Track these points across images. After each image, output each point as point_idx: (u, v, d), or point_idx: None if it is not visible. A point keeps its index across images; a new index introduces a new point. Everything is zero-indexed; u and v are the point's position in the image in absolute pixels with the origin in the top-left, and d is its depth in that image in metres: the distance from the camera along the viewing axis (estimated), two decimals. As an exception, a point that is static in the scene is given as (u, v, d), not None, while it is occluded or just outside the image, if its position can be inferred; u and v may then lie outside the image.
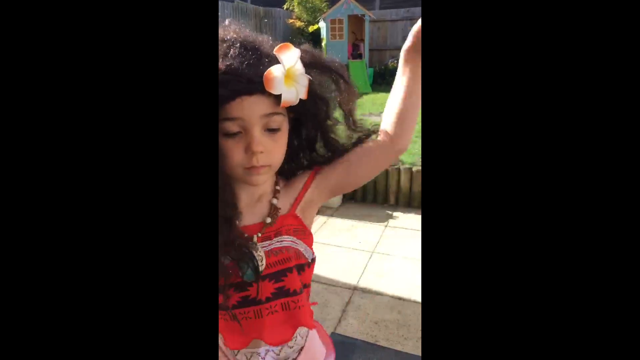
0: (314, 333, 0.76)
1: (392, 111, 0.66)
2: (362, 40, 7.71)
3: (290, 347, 0.71)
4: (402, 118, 0.65)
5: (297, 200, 0.69)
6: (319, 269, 2.22)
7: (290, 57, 0.57)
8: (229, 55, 0.55)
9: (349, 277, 2.15)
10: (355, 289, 2.06)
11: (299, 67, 0.58)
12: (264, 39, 0.61)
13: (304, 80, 0.59)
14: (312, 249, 0.70)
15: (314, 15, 8.57)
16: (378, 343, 1.68)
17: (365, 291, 2.03)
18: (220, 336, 0.72)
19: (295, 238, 0.68)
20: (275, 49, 0.57)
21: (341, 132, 0.71)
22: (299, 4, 8.65)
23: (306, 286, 0.72)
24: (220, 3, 7.81)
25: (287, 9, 9.00)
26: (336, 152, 0.70)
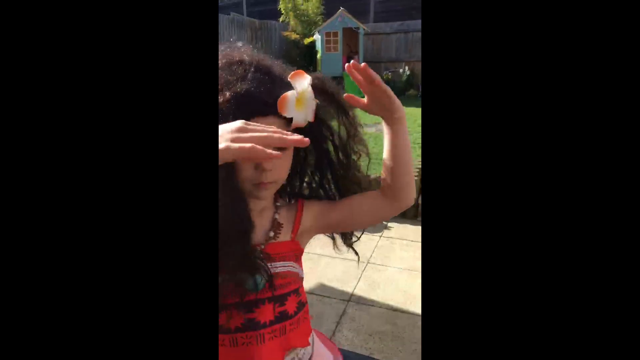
0: (318, 341, 0.78)
1: (386, 170, 0.69)
2: (357, 52, 7.79)
3: None
4: (396, 175, 0.68)
5: (296, 227, 0.72)
6: (313, 280, 2.21)
7: (302, 84, 0.61)
8: (247, 78, 0.59)
9: (343, 288, 2.14)
10: (349, 300, 2.05)
11: (310, 92, 0.63)
12: (274, 62, 0.65)
13: (312, 104, 0.64)
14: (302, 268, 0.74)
15: (309, 28, 8.66)
16: (372, 355, 1.67)
17: (360, 302, 2.02)
18: None
19: (295, 263, 0.71)
20: (289, 76, 0.61)
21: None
22: (294, 16, 8.74)
23: (302, 304, 0.73)
24: (216, 15, 7.85)
25: (282, 21, 9.09)
26: (327, 179, 0.74)
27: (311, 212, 0.74)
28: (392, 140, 0.67)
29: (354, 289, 2.14)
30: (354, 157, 0.74)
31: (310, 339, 0.75)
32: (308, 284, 2.21)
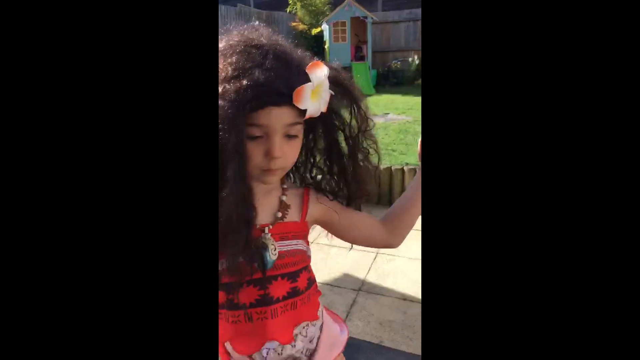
0: (326, 315, 0.82)
1: (395, 214, 0.80)
2: (365, 42, 7.73)
3: (293, 347, 0.74)
4: (400, 223, 0.79)
5: (304, 210, 0.75)
6: (323, 270, 2.23)
7: (319, 76, 0.61)
8: (265, 66, 0.58)
9: (353, 278, 2.16)
10: (359, 289, 2.06)
11: (325, 83, 0.63)
12: (291, 48, 0.64)
13: (326, 95, 0.64)
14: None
15: (316, 18, 8.60)
16: (383, 344, 1.68)
17: (370, 292, 2.04)
18: (227, 344, 0.74)
19: (303, 242, 0.74)
20: (307, 67, 0.60)
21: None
22: (301, 7, 8.68)
23: (312, 281, 0.77)
24: (223, 7, 7.85)
25: (289, 12, 9.03)
26: (335, 170, 0.76)
27: (317, 202, 0.76)
28: (416, 200, 0.77)
29: (364, 278, 2.15)
30: (363, 152, 0.75)
31: (319, 313, 0.79)
32: (319, 273, 2.21)
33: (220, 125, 0.55)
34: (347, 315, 1.86)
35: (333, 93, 0.65)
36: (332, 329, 0.82)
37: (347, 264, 2.29)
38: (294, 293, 0.72)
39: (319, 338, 0.78)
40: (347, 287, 2.08)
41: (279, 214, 0.71)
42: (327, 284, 2.11)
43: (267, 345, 0.71)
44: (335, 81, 0.66)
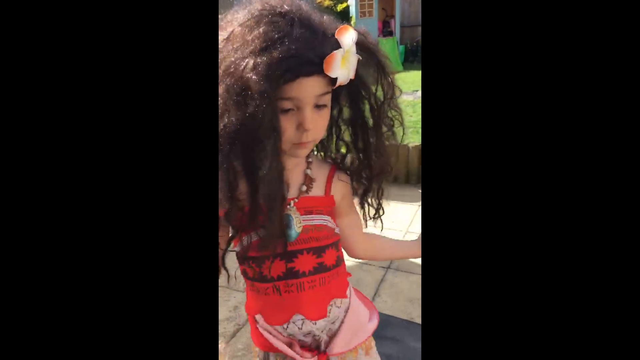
0: (354, 297, 0.81)
1: (380, 244, 0.87)
2: (393, 16, 7.53)
3: (314, 323, 0.74)
4: (376, 253, 0.90)
5: (329, 185, 0.74)
6: (352, 248, 2.25)
7: (349, 40, 0.58)
8: (293, 36, 0.55)
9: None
10: (388, 267, 2.07)
11: (353, 47, 0.60)
12: (312, 11, 0.61)
13: (354, 60, 0.61)
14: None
15: (342, -7, 8.42)
16: (413, 320, 1.70)
17: (399, 269, 2.05)
18: (258, 316, 0.76)
19: (330, 217, 0.74)
20: (336, 32, 0.58)
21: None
22: (327, -18, 8.51)
23: (340, 259, 0.77)
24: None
25: (315, -12, 8.87)
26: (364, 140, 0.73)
27: (338, 180, 0.75)
28: (398, 252, 0.91)
29: (393, 256, 2.16)
30: (387, 124, 0.71)
31: (347, 292, 0.78)
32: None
33: (252, 102, 0.54)
34: (375, 292, 1.88)
35: (360, 58, 0.61)
36: (360, 314, 0.81)
37: (375, 242, 2.30)
38: (321, 269, 0.72)
39: (342, 321, 0.77)
40: (376, 264, 2.10)
41: (304, 188, 0.71)
42: (355, 261, 2.13)
43: (294, 318, 0.72)
44: (362, 46, 0.62)
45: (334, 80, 0.58)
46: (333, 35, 0.58)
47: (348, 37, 0.58)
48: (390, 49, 6.83)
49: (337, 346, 0.75)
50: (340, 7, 8.41)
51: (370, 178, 0.75)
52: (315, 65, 0.56)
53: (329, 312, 0.74)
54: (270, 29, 0.55)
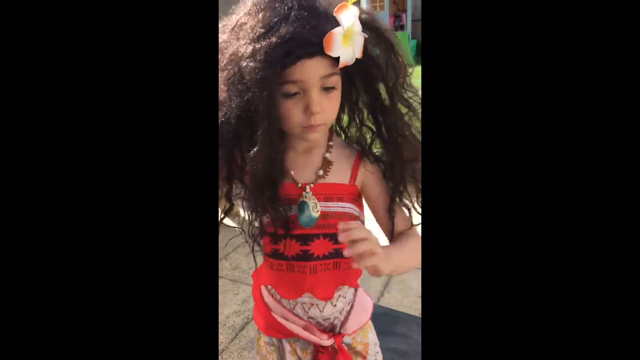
0: (360, 288, 0.82)
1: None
2: (404, 10, 7.46)
3: (334, 306, 0.76)
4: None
5: (354, 173, 0.71)
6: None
7: (349, 17, 0.56)
8: (290, 18, 0.55)
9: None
10: (398, 263, 2.07)
11: (357, 25, 0.58)
12: None
13: (360, 39, 0.59)
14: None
15: (353, -13, 8.37)
16: (422, 316, 1.69)
17: (408, 265, 2.04)
18: (267, 288, 0.79)
19: (354, 206, 0.72)
20: (335, 10, 0.56)
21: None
22: (338, -24, 8.47)
23: None
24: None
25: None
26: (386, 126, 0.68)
27: (365, 169, 0.72)
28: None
29: (403, 252, 2.15)
30: (405, 105, 0.68)
31: (350, 291, 0.79)
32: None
33: (252, 88, 0.54)
34: (385, 287, 1.88)
35: (367, 36, 0.60)
36: (364, 296, 0.83)
37: (384, 235, 2.29)
38: (336, 254, 0.71)
39: (352, 304, 0.79)
40: (385, 260, 2.09)
41: (321, 172, 0.69)
42: (365, 257, 2.13)
43: (313, 300, 0.74)
44: (368, 25, 0.61)
45: (338, 60, 0.57)
46: None
47: (347, 14, 0.56)
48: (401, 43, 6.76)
49: (351, 325, 0.78)
50: (351, 0, 8.37)
51: (402, 166, 0.69)
52: (315, 46, 0.55)
53: (336, 299, 0.75)
54: (269, 14, 0.55)
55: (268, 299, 0.79)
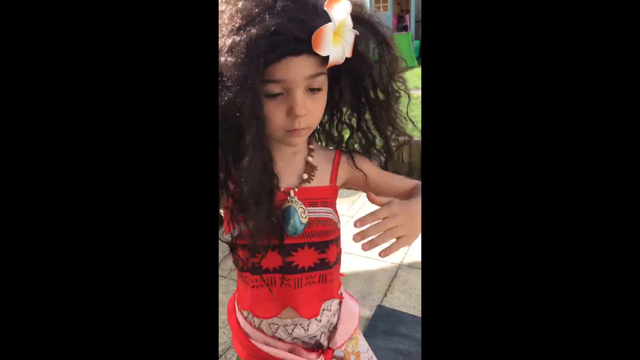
0: (344, 291, 0.78)
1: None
2: (408, 11, 7.45)
3: (319, 322, 0.71)
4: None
5: (334, 174, 0.69)
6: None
7: (341, 12, 0.51)
8: (275, 10, 0.49)
9: (395, 252, 2.16)
10: (401, 264, 2.07)
11: (348, 22, 0.52)
12: None
13: (351, 36, 0.53)
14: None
15: (357, -12, 8.35)
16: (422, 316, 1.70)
17: (412, 266, 2.04)
18: (244, 315, 0.72)
19: (333, 211, 0.68)
20: (325, 4, 0.50)
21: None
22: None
23: (339, 256, 0.72)
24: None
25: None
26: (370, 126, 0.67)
27: (348, 165, 0.70)
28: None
29: (406, 253, 2.16)
30: (394, 97, 0.65)
31: (340, 291, 0.75)
32: (360, 247, 2.24)
33: (232, 86, 0.48)
34: (388, 288, 1.88)
35: (357, 33, 0.54)
36: (349, 303, 0.78)
37: (388, 238, 2.29)
38: (323, 265, 0.66)
39: (339, 315, 0.74)
40: (388, 260, 2.10)
41: (305, 176, 0.65)
42: (369, 257, 2.13)
43: (295, 320, 0.68)
44: (359, 18, 0.55)
45: (327, 59, 0.52)
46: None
47: (339, 9, 0.50)
48: (405, 44, 6.76)
49: (340, 338, 0.73)
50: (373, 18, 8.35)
51: (388, 150, 0.69)
52: (302, 43, 0.49)
53: (320, 314, 0.70)
54: (251, 3, 0.49)
55: (246, 327, 0.72)
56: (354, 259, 2.07)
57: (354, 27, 0.53)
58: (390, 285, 1.90)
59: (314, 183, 0.66)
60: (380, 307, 1.74)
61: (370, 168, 0.71)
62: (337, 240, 0.68)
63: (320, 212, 0.65)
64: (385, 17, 7.27)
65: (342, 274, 0.76)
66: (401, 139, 0.69)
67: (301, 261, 0.64)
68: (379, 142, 0.69)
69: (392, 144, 0.69)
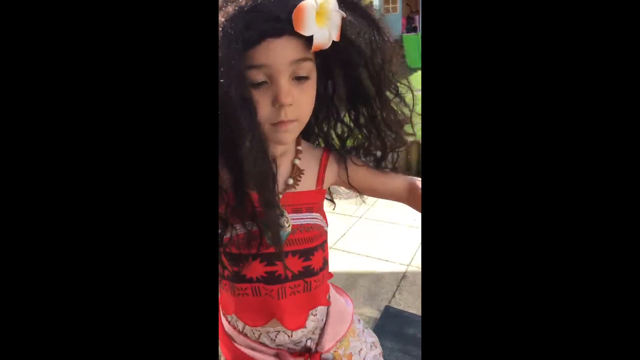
0: (334, 293, 0.74)
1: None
2: (417, 12, 7.43)
3: (305, 327, 0.67)
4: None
5: (321, 177, 0.64)
6: (373, 245, 2.25)
7: None
8: None
9: (403, 253, 2.16)
10: (409, 265, 2.07)
11: (333, 1, 0.48)
12: None
13: (337, 17, 0.49)
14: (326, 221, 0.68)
15: (366, -12, 8.36)
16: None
17: (420, 268, 2.04)
18: (231, 317, 0.69)
19: (320, 215, 0.64)
20: None
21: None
22: (351, -22, 8.46)
23: (326, 261, 0.69)
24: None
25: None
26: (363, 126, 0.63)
27: (337, 167, 0.66)
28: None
29: (414, 254, 2.16)
30: (392, 90, 0.60)
31: (328, 296, 0.71)
32: (368, 247, 2.26)
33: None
34: (396, 289, 1.88)
35: (345, 15, 0.50)
36: (339, 303, 0.73)
37: (397, 239, 2.30)
38: (307, 273, 0.62)
39: (327, 314, 0.70)
40: (396, 261, 2.09)
41: (291, 181, 0.60)
42: (376, 258, 2.14)
43: (278, 327, 0.65)
44: (347, 3, 0.51)
45: (312, 42, 0.48)
46: None
47: None
48: (414, 46, 6.74)
49: (328, 341, 0.69)
50: (363, 2, 8.35)
51: (384, 151, 0.65)
52: (283, 22, 0.46)
53: (307, 323, 0.66)
54: None
55: (230, 331, 0.69)
56: (362, 259, 2.07)
57: (342, 10, 0.50)
58: (398, 287, 1.90)
59: (299, 188, 0.61)
60: (388, 308, 1.74)
61: (363, 169, 0.67)
62: (323, 244, 0.65)
63: (304, 219, 0.61)
64: (395, 18, 7.26)
65: (330, 274, 0.72)
66: (401, 138, 0.65)
67: (284, 270, 0.61)
68: (375, 140, 0.64)
69: (391, 143, 0.64)
